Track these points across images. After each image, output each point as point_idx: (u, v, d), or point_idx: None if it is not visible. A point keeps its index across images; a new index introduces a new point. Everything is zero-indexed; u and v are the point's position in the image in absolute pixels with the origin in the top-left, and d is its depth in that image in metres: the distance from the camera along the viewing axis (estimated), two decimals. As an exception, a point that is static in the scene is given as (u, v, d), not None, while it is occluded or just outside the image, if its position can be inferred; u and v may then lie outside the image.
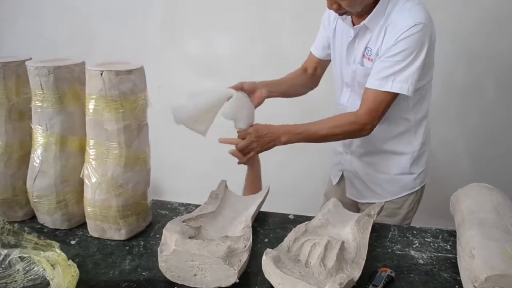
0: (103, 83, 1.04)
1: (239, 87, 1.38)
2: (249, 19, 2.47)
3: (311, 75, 1.61)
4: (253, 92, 1.41)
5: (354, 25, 1.34)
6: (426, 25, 1.23)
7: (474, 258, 0.89)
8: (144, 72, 1.12)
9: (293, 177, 2.60)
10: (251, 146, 1.33)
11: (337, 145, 1.60)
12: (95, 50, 2.68)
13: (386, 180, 1.46)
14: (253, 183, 1.43)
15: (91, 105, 1.07)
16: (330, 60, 1.56)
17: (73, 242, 1.14)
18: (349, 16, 1.35)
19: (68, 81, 1.13)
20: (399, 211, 1.47)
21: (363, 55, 1.34)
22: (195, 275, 0.94)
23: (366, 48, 1.32)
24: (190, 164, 2.79)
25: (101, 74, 1.04)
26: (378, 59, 1.27)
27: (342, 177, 1.60)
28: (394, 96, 1.27)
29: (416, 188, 1.48)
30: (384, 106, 1.28)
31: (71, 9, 2.70)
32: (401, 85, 1.24)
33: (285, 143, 1.34)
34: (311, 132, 1.33)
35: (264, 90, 1.43)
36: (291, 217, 1.27)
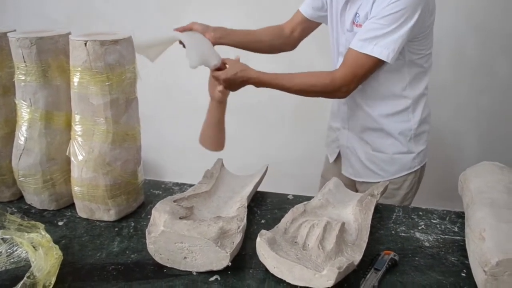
0: (88, 54, 0.97)
1: (189, 28, 1.36)
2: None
3: (288, 35, 1.53)
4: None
5: None
6: None
7: (485, 241, 0.82)
8: (133, 42, 1.05)
9: (293, 156, 2.54)
10: (224, 83, 1.29)
11: (332, 121, 1.53)
12: (95, 28, 2.61)
13: (384, 160, 1.40)
14: (216, 126, 1.36)
15: (75, 78, 1.00)
16: (317, 24, 1.50)
17: (60, 223, 1.09)
18: None
19: (52, 53, 1.06)
20: (398, 192, 1.41)
21: (353, 22, 1.27)
22: (185, 257, 0.89)
23: (355, 14, 1.26)
24: (192, 144, 2.73)
25: (85, 44, 0.97)
26: (367, 21, 1.21)
27: (339, 155, 1.53)
28: (374, 61, 1.21)
29: (415, 168, 1.41)
30: (363, 70, 1.22)
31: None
32: (381, 50, 1.18)
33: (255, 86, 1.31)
34: (283, 85, 1.28)
35: (213, 34, 1.37)
36: (290, 197, 1.21)
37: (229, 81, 1.27)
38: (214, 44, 1.37)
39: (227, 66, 1.30)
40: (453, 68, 2.27)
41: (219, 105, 1.34)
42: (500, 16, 2.14)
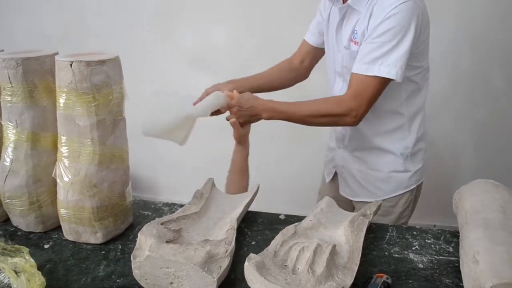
0: (73, 74, 0.96)
1: (205, 94, 1.32)
2: (244, 9, 2.39)
3: (298, 67, 1.53)
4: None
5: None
6: (416, 4, 1.14)
7: (479, 264, 0.80)
8: (120, 62, 1.04)
9: (288, 172, 2.52)
10: (236, 116, 1.27)
11: (330, 140, 1.52)
12: (89, 44, 2.62)
13: (380, 178, 1.38)
14: (240, 171, 1.32)
15: (61, 99, 0.99)
16: (324, 50, 1.48)
17: (46, 246, 1.06)
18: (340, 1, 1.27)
19: (38, 74, 1.05)
20: (393, 210, 1.39)
21: (350, 39, 1.25)
22: (171, 283, 0.86)
23: (353, 31, 1.24)
24: (187, 161, 2.71)
25: (71, 65, 0.95)
26: (364, 41, 1.18)
27: (336, 174, 1.51)
28: (383, 81, 1.17)
29: (412, 187, 1.38)
30: (371, 92, 1.18)
31: (64, 3, 2.63)
32: (389, 69, 1.15)
33: (267, 119, 1.28)
34: (293, 111, 1.25)
35: (226, 87, 1.36)
36: (281, 217, 1.19)
37: (240, 106, 1.25)
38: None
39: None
40: (450, 81, 2.27)
41: (239, 148, 1.32)
42: (496, 29, 2.15)
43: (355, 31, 1.23)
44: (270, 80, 1.50)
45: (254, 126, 2.42)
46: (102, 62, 0.97)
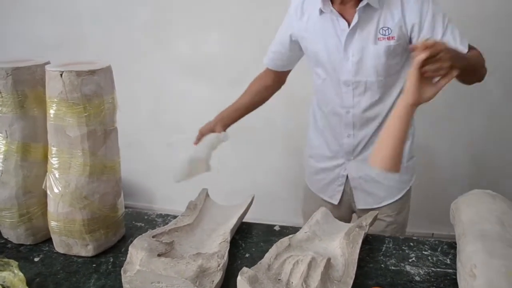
0: (63, 85, 0.94)
1: (200, 136, 1.41)
2: (237, 16, 2.38)
3: (272, 83, 1.52)
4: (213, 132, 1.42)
5: (342, 17, 1.22)
6: None
7: (476, 278, 0.78)
8: (112, 72, 1.02)
9: (284, 181, 2.51)
10: (442, 62, 0.99)
11: (331, 161, 1.43)
12: (84, 51, 2.61)
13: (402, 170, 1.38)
14: (402, 139, 0.94)
15: (52, 110, 0.97)
16: (289, 70, 1.49)
17: (36, 259, 1.04)
18: (334, 10, 1.22)
19: (29, 84, 1.03)
20: (406, 205, 1.43)
21: (377, 38, 1.20)
22: (162, 298, 0.84)
23: (379, 30, 1.19)
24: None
25: (61, 75, 0.94)
26: (438, 36, 1.21)
27: (343, 193, 1.46)
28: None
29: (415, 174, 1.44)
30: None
31: (60, 11, 2.62)
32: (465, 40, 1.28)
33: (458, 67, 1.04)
34: (472, 62, 1.29)
35: (219, 127, 1.42)
36: (276, 228, 1.17)
37: (446, 48, 0.96)
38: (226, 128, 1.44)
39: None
40: (446, 88, 2.25)
41: (411, 111, 0.98)
42: (492, 35, 2.14)
43: (385, 28, 1.19)
44: (253, 99, 1.49)
45: (251, 134, 2.41)
46: (93, 72, 0.96)
